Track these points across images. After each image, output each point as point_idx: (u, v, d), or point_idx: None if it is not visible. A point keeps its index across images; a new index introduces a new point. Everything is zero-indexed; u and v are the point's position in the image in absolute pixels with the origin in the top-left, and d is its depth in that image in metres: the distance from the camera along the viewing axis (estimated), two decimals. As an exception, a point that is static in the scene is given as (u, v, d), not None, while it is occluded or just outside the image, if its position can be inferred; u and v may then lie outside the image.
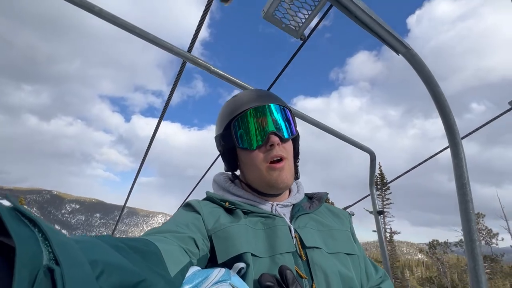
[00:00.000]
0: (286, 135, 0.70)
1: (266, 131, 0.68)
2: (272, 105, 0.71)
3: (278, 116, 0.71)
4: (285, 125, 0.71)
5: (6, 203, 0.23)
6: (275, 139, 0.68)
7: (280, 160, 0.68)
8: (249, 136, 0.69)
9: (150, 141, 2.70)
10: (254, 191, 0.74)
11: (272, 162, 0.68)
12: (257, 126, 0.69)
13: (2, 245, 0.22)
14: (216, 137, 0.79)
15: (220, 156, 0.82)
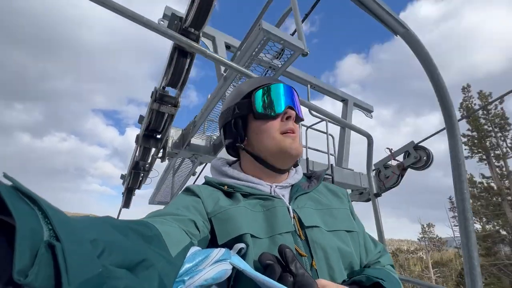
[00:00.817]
0: (300, 115, 0.77)
1: (286, 104, 0.74)
2: (292, 88, 0.78)
3: (295, 98, 0.78)
4: (299, 108, 0.79)
5: (5, 181, 0.23)
6: (293, 113, 0.73)
7: (293, 132, 0.73)
8: (270, 104, 0.73)
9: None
10: (262, 163, 0.74)
11: (286, 132, 0.72)
12: (278, 98, 0.74)
13: (3, 223, 0.22)
14: (226, 110, 0.79)
15: (223, 132, 0.82)
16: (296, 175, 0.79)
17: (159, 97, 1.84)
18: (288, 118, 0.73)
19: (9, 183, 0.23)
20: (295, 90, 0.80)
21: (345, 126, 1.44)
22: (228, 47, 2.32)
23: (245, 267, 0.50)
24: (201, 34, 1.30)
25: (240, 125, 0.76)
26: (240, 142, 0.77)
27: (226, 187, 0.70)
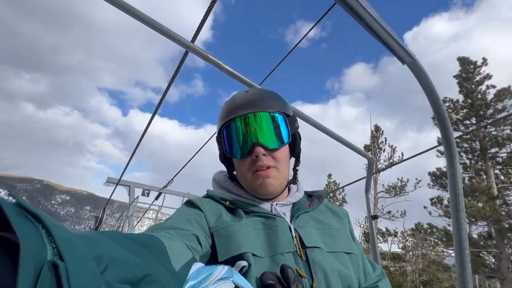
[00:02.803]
0: (271, 146, 0.67)
1: (251, 142, 0.67)
2: (261, 113, 0.68)
3: (266, 125, 0.68)
4: (275, 134, 0.68)
5: (10, 199, 0.24)
6: (260, 150, 0.66)
7: (266, 168, 0.68)
8: (234, 146, 0.69)
9: (144, 131, 2.74)
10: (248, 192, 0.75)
11: (257, 171, 0.68)
12: (242, 136, 0.68)
13: (6, 241, 0.22)
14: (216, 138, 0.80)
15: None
16: (297, 194, 0.78)
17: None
18: (256, 156, 0.66)
19: (13, 200, 0.24)
20: (273, 112, 0.69)
21: (345, 145, 1.46)
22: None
23: (248, 286, 0.49)
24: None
25: (224, 160, 0.78)
26: (231, 171, 0.80)
27: (228, 202, 0.70)
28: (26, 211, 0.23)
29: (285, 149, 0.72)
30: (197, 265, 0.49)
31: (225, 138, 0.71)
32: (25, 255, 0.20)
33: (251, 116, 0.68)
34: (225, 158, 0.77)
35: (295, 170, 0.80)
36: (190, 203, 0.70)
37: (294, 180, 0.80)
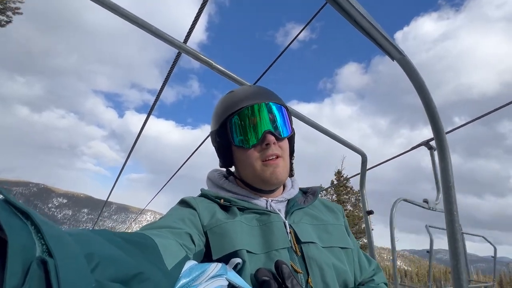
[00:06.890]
0: (282, 135, 0.71)
1: (262, 130, 0.69)
2: (270, 103, 0.71)
3: (274, 115, 0.71)
4: (282, 124, 0.72)
5: None
6: (271, 138, 0.68)
7: (275, 157, 0.69)
8: (245, 135, 0.69)
9: (140, 131, 2.72)
10: (248, 187, 0.75)
11: (267, 160, 0.69)
12: (253, 125, 0.69)
13: None
14: (211, 133, 0.79)
15: (215, 151, 0.81)
16: (292, 190, 0.79)
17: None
18: (267, 144, 0.68)
19: (1, 197, 0.23)
20: (277, 104, 0.73)
21: (338, 141, 1.47)
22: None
23: (241, 283, 0.50)
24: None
25: (224, 153, 0.76)
26: (228, 167, 0.79)
27: (222, 200, 0.70)
28: (15, 207, 0.23)
29: (287, 141, 0.75)
30: (190, 263, 0.49)
31: (232, 129, 0.71)
32: (13, 251, 0.20)
33: (262, 105, 0.70)
34: (224, 151, 0.76)
35: (290, 164, 0.82)
36: (183, 202, 0.70)
37: (291, 172, 0.81)
